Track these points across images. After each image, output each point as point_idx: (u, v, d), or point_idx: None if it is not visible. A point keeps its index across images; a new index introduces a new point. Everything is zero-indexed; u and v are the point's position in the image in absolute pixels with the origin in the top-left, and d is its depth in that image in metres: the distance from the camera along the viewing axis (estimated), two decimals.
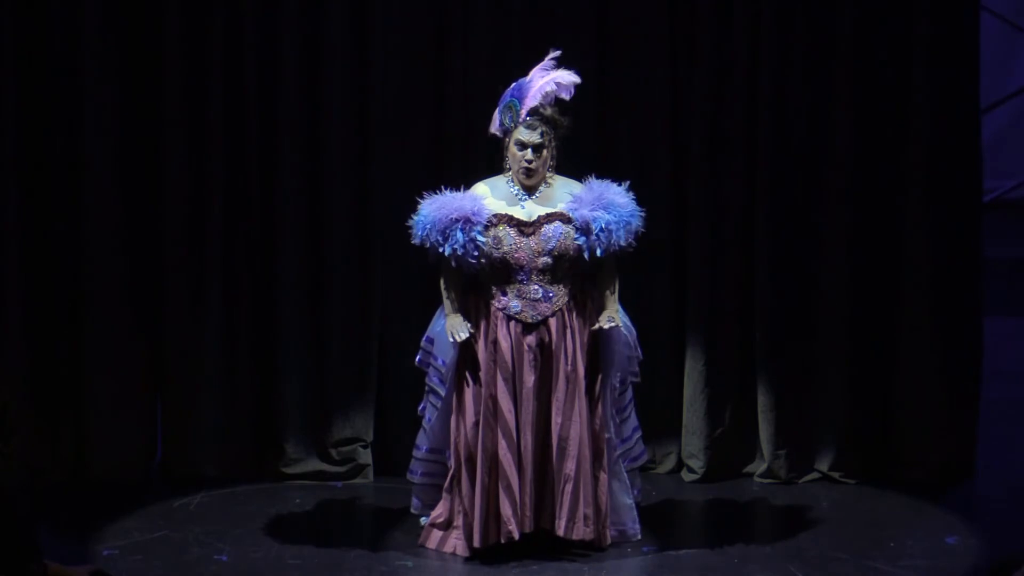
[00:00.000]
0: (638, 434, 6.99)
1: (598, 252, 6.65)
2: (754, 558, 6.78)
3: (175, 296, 7.77)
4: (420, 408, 6.96)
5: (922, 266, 7.77)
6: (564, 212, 6.70)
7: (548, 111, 6.68)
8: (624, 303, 6.83)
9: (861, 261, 7.79)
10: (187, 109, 7.70)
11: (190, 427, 7.84)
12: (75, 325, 7.74)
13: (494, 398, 6.64)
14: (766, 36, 7.67)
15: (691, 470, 7.86)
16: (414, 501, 7.03)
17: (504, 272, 6.67)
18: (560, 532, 6.68)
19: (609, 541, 6.82)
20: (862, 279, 7.79)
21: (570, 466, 6.65)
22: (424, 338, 6.88)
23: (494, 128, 6.78)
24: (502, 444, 6.62)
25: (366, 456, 7.85)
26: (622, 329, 6.74)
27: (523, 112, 6.67)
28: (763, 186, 7.72)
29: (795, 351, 7.81)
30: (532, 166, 6.67)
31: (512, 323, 6.67)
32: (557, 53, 6.76)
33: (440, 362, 6.79)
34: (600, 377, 6.74)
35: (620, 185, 6.78)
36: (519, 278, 6.67)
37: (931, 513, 7.37)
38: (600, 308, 6.75)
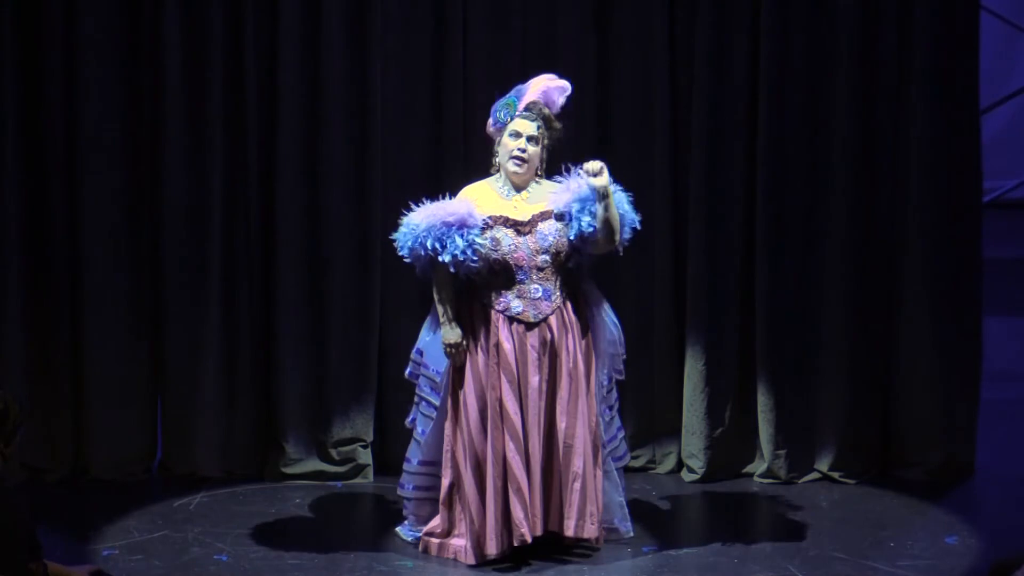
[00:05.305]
0: (621, 433, 6.97)
1: (583, 225, 6.58)
2: (754, 558, 6.77)
3: (175, 296, 7.78)
4: (409, 420, 6.89)
5: (922, 266, 7.77)
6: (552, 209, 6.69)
7: (545, 110, 6.69)
8: (623, 303, 6.82)
9: (861, 261, 7.79)
10: (187, 109, 7.70)
11: (190, 427, 7.84)
12: (75, 325, 7.74)
13: (500, 401, 6.61)
14: (766, 36, 7.67)
15: (691, 470, 7.86)
16: (406, 516, 6.94)
17: (504, 273, 6.65)
18: (570, 532, 6.63)
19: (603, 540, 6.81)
20: (862, 279, 7.79)
21: (578, 464, 6.61)
22: (414, 350, 6.82)
23: (489, 127, 6.78)
24: (510, 447, 6.57)
25: (366, 456, 7.85)
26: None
27: (521, 106, 6.68)
28: (763, 186, 7.72)
29: (795, 351, 7.80)
30: (524, 155, 6.64)
31: (514, 324, 6.65)
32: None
33: (433, 371, 6.72)
34: (591, 375, 6.72)
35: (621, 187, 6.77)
36: (519, 278, 6.66)
37: (931, 513, 7.37)
38: (593, 304, 6.72)
